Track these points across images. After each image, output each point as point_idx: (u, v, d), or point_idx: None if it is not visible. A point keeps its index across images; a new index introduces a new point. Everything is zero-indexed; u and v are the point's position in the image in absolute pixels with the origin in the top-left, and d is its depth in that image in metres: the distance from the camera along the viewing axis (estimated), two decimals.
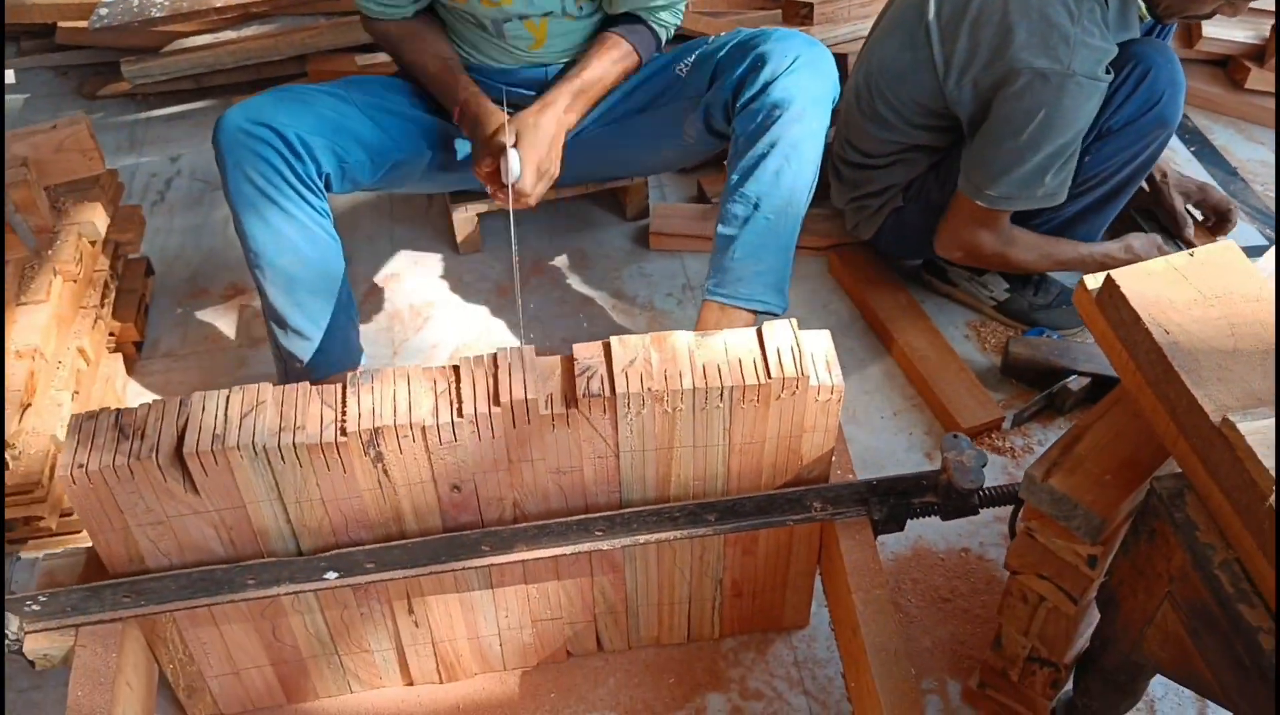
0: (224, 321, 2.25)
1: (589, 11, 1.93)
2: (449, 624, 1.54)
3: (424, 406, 1.29)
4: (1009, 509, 1.50)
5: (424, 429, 1.29)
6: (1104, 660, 1.32)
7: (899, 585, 1.74)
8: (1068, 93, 1.77)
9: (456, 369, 1.33)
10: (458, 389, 1.31)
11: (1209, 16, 1.86)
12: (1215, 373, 1.08)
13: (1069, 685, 1.46)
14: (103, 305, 2.02)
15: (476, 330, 2.21)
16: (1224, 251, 1.23)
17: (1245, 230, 2.37)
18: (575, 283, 2.31)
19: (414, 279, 2.33)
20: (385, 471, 1.32)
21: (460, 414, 1.29)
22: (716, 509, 1.42)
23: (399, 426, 1.28)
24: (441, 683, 1.62)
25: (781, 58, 1.81)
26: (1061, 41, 1.76)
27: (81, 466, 1.24)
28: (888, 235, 2.17)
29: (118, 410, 1.30)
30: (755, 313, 1.87)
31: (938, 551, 1.80)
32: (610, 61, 1.91)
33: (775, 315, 1.87)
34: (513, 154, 1.77)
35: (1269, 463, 0.98)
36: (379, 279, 2.34)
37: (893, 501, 1.46)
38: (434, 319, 2.24)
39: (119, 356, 2.07)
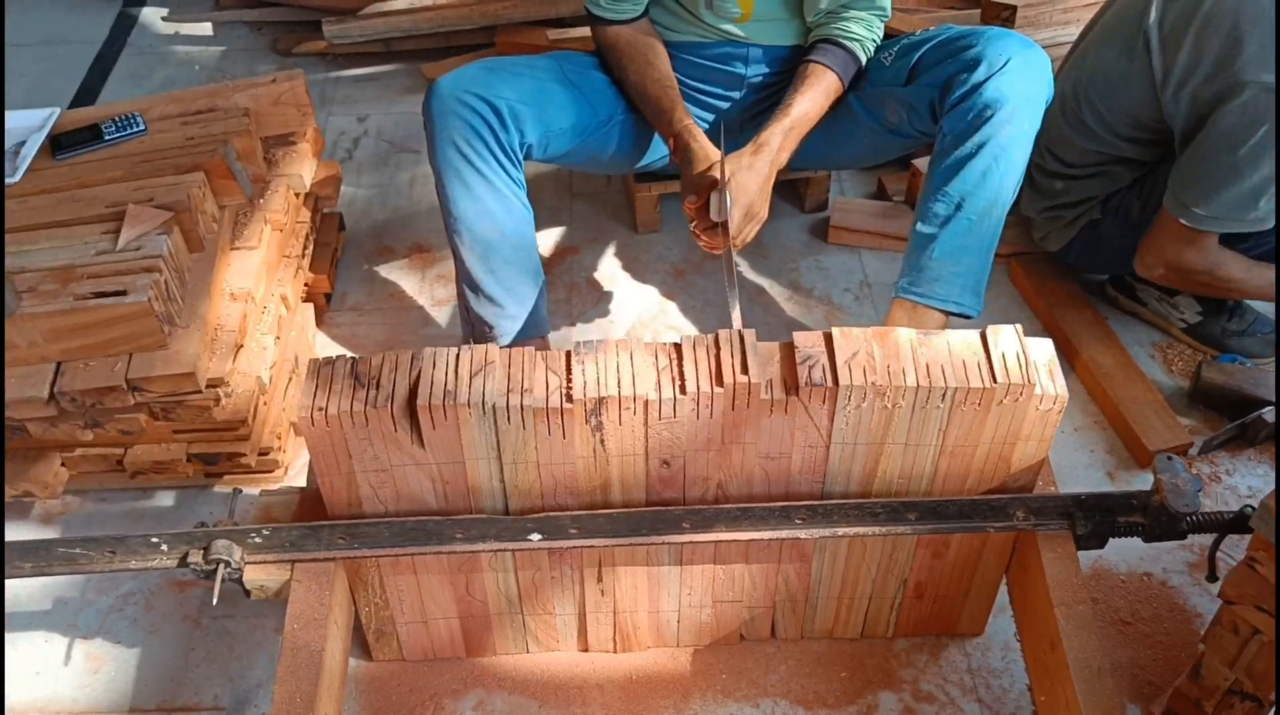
0: (408, 280, 2.31)
1: None
2: (633, 596, 1.56)
3: (647, 380, 1.31)
4: (1201, 537, 1.47)
5: (646, 402, 1.31)
6: None
7: None
8: None
9: (678, 347, 1.35)
10: (679, 366, 1.33)
11: None
12: None
13: None
14: (303, 255, 2.09)
15: (653, 310, 2.23)
16: None
17: None
18: (750, 272, 2.32)
19: (592, 254, 2.36)
20: (602, 441, 1.34)
21: (683, 391, 1.31)
22: (919, 509, 1.41)
23: (623, 398, 1.30)
24: (615, 652, 1.65)
25: (996, 58, 1.77)
26: None
27: (321, 410, 1.29)
28: (1079, 248, 2.12)
29: (352, 358, 1.35)
30: (948, 314, 1.84)
31: (1118, 573, 1.76)
32: (816, 93, 1.87)
33: (968, 317, 1.85)
34: (725, 192, 1.74)
35: None
36: (557, 251, 2.37)
37: (1098, 518, 1.43)
38: (611, 295, 2.27)
39: (310, 306, 2.15)
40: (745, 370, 1.31)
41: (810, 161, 2.21)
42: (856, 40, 1.91)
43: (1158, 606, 1.72)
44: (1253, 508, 1.35)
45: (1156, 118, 1.90)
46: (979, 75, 1.78)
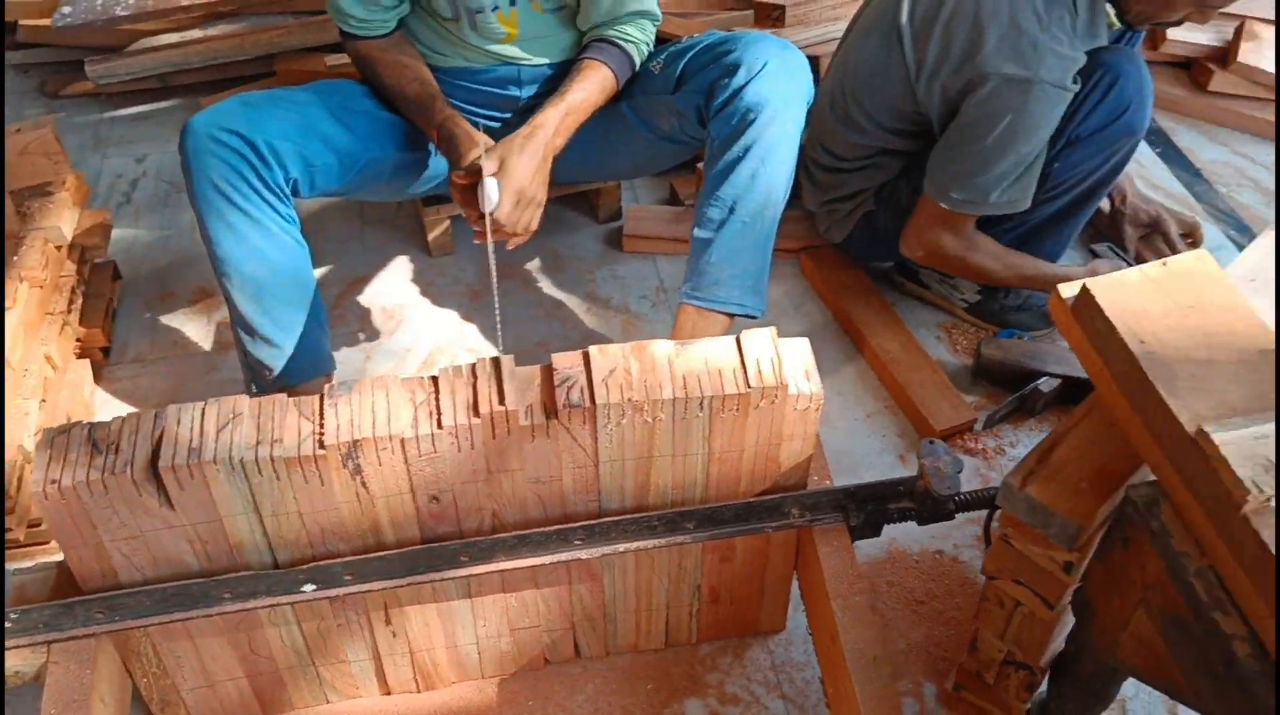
0: (192, 326, 2.22)
1: (555, 6, 1.93)
2: (427, 634, 1.53)
3: (403, 418, 1.28)
4: (983, 511, 1.52)
5: (403, 441, 1.28)
6: (1078, 665, 1.34)
7: (873, 588, 1.75)
8: (1034, 99, 1.79)
9: (435, 380, 1.32)
10: (437, 400, 1.30)
11: (1178, 23, 1.88)
12: (1190, 383, 1.10)
13: (1043, 687, 1.47)
14: (70, 311, 1.99)
15: (450, 334, 2.20)
16: (1197, 261, 1.24)
17: (1210, 232, 2.41)
18: (547, 286, 2.31)
19: (385, 282, 2.32)
20: (363, 484, 1.31)
21: (439, 426, 1.28)
22: (695, 517, 1.42)
23: (378, 438, 1.27)
24: (419, 691, 1.62)
25: (754, 61, 1.80)
26: (1030, 48, 1.78)
27: (55, 482, 1.22)
28: (859, 238, 2.18)
29: (90, 424, 1.28)
30: (732, 316, 1.87)
31: (911, 554, 1.81)
32: (591, 84, 1.86)
33: (752, 317, 1.88)
34: (490, 182, 1.68)
35: (1243, 472, 0.99)
36: (349, 283, 2.32)
37: (870, 508, 1.47)
38: (406, 323, 2.23)
39: (86, 362, 2.04)
40: (502, 399, 1.29)
41: (593, 173, 2.22)
42: (631, 41, 1.92)
43: (950, 583, 1.78)
44: None
45: (914, 109, 1.96)
46: (739, 80, 1.80)
